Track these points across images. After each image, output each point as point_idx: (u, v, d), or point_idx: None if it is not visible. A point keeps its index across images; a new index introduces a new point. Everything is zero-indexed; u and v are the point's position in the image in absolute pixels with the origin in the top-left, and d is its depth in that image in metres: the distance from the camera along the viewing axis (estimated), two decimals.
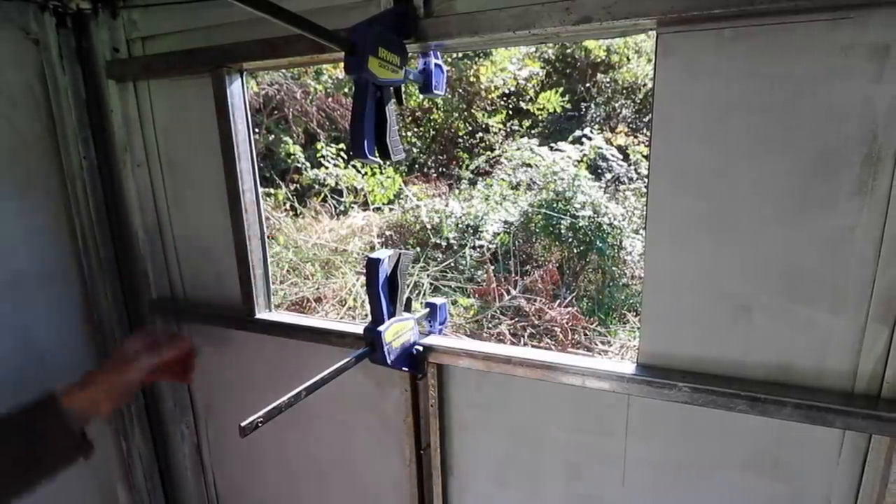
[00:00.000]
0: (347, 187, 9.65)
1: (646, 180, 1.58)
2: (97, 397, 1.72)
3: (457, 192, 9.86)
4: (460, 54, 10.94)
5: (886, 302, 1.29)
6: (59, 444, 1.63)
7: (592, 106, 11.96)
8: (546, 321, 6.46)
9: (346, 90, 10.53)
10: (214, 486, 2.59)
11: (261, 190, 2.03)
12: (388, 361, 1.71)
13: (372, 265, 1.67)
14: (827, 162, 1.27)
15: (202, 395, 2.44)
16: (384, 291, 1.70)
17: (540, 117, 11.76)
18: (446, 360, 1.82)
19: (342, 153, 10.07)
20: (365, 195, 9.50)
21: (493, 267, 7.37)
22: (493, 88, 11.40)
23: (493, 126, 11.53)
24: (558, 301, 6.76)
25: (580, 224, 7.38)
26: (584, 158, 8.48)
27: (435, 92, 1.71)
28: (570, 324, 6.42)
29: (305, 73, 10.37)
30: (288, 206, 9.36)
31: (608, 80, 12.13)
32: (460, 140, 11.95)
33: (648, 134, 1.45)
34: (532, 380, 1.70)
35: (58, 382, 1.69)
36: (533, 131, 11.53)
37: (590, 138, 8.77)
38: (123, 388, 1.77)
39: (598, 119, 11.64)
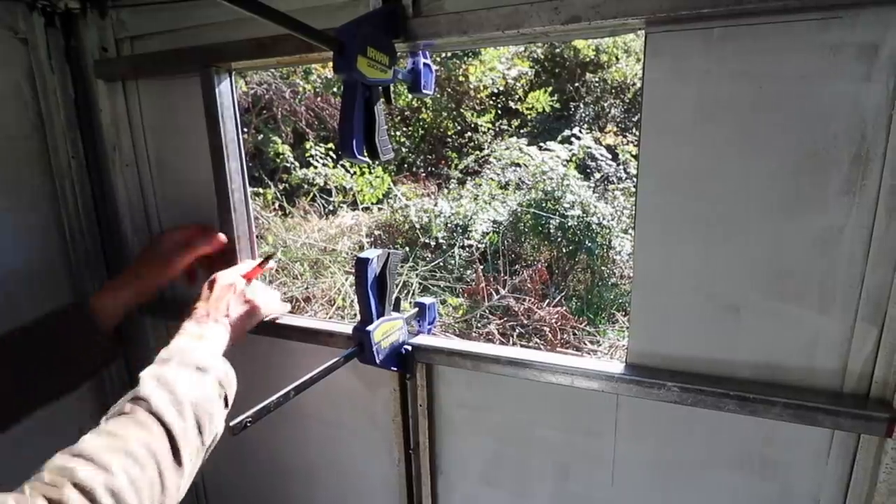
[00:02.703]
0: (336, 187, 9.65)
1: (634, 180, 1.59)
2: (128, 297, 1.85)
3: (446, 191, 9.87)
4: (449, 54, 10.95)
5: (875, 301, 1.30)
6: (90, 346, 1.73)
7: (581, 105, 11.99)
8: (535, 321, 6.47)
9: (334, 90, 10.53)
10: (203, 486, 2.58)
11: (249, 189, 2.02)
12: (377, 361, 1.71)
13: (361, 265, 1.67)
14: (816, 162, 1.28)
15: None
16: (373, 291, 1.69)
17: (529, 117, 11.79)
18: (435, 359, 1.81)
19: (331, 153, 10.07)
20: (354, 195, 9.50)
21: (482, 266, 7.36)
22: (481, 88, 11.42)
23: (481, 125, 11.54)
24: (547, 301, 6.77)
25: (569, 224, 7.39)
26: (573, 158, 8.49)
27: (424, 91, 1.71)
28: (559, 323, 6.42)
29: (294, 73, 10.37)
30: (277, 205, 9.35)
31: (597, 79, 12.16)
32: (449, 139, 11.97)
33: (637, 133, 1.45)
34: (521, 379, 1.70)
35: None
36: (522, 131, 11.55)
37: (579, 138, 8.78)
38: (155, 288, 1.91)
39: (587, 119, 11.67)
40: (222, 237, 1.98)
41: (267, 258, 1.97)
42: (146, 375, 1.42)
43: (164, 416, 1.32)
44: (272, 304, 1.90)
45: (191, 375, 1.48)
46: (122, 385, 2.40)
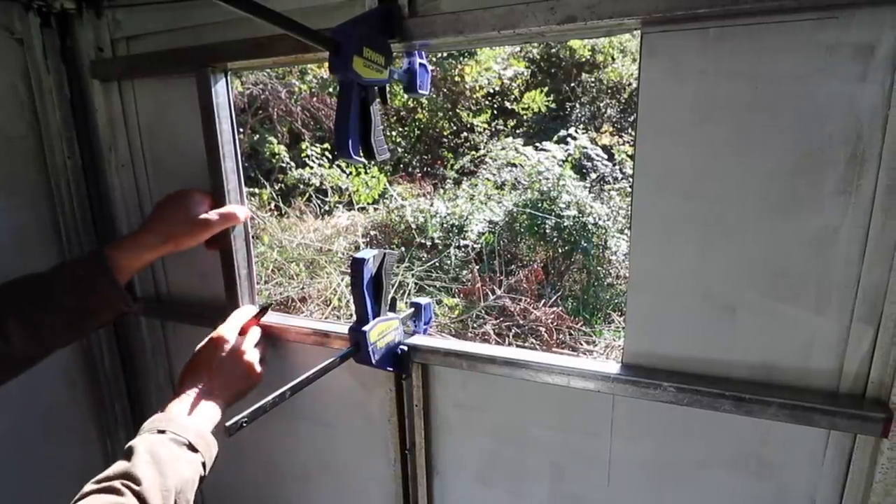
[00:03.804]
0: (332, 187, 9.66)
1: (630, 180, 1.59)
2: (149, 260, 1.84)
3: (442, 191, 9.89)
4: (445, 54, 10.96)
5: (871, 302, 1.30)
6: (107, 297, 1.72)
7: (577, 105, 12.01)
8: (531, 321, 6.48)
9: (330, 90, 10.54)
10: (199, 486, 2.58)
11: (245, 189, 2.02)
12: (373, 361, 1.70)
13: (356, 265, 1.66)
14: (812, 161, 1.28)
15: None
16: (369, 291, 1.69)
17: (525, 117, 11.82)
18: (431, 360, 1.81)
19: (326, 153, 10.08)
20: (349, 195, 9.51)
21: (477, 267, 7.37)
22: (477, 88, 11.44)
23: (477, 126, 11.57)
24: (543, 301, 6.78)
25: (565, 224, 7.41)
26: (569, 158, 8.51)
27: (419, 91, 1.71)
28: (554, 324, 6.43)
29: (290, 73, 10.38)
30: (272, 205, 9.37)
31: (593, 79, 12.19)
32: (445, 140, 11.99)
33: (633, 134, 1.45)
34: (516, 380, 1.70)
35: (45, 389, 1.71)
36: (518, 131, 11.58)
37: (575, 138, 8.81)
38: (180, 250, 1.86)
39: (582, 119, 11.69)
40: (247, 210, 1.98)
41: (263, 309, 1.98)
42: (141, 449, 1.41)
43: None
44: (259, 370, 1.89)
45: (183, 455, 1.48)
46: (116, 381, 2.40)
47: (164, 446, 1.45)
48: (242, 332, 1.88)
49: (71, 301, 1.66)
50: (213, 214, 1.86)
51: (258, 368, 1.84)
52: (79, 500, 1.28)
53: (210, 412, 1.66)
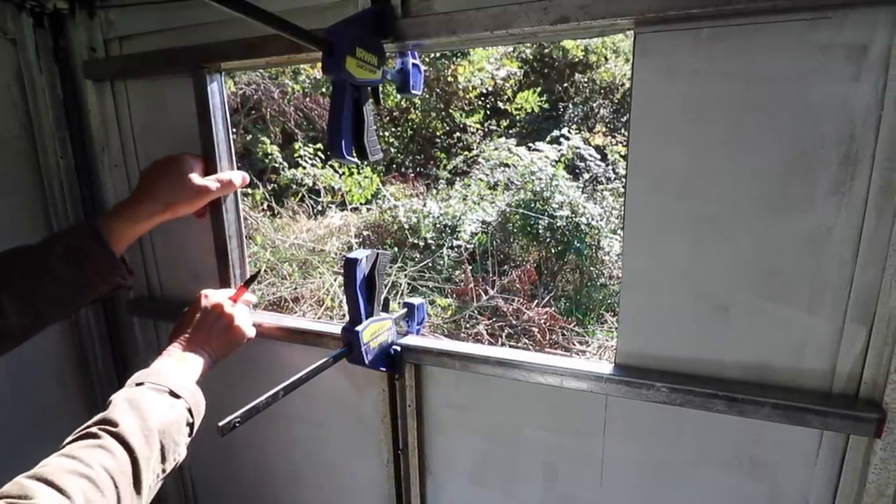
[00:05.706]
0: (325, 187, 9.64)
1: (623, 180, 1.58)
2: (145, 230, 1.80)
3: (434, 192, 9.88)
4: (438, 54, 10.95)
5: (864, 302, 1.30)
6: (100, 267, 1.68)
7: (570, 106, 12.00)
8: (524, 321, 6.47)
9: (323, 90, 10.52)
10: (192, 485, 2.57)
11: (239, 190, 2.02)
12: (366, 361, 1.70)
13: (349, 265, 1.66)
14: (805, 162, 1.28)
15: None
16: (362, 291, 1.69)
17: (518, 117, 11.80)
18: (424, 360, 1.81)
19: (319, 153, 10.06)
20: (342, 195, 9.49)
21: (470, 267, 7.37)
22: (470, 88, 11.43)
23: (470, 126, 11.55)
24: (536, 301, 6.77)
25: (558, 224, 7.40)
26: (562, 158, 8.50)
27: (412, 92, 1.70)
28: (547, 324, 6.43)
29: (283, 73, 10.36)
30: (265, 205, 9.34)
31: (586, 79, 12.18)
32: (438, 140, 11.98)
33: (626, 134, 1.45)
34: (509, 380, 1.70)
35: (38, 390, 1.70)
36: (511, 131, 11.56)
37: (567, 138, 8.79)
38: (165, 219, 1.81)
39: (575, 119, 11.68)
40: (245, 175, 1.96)
41: (252, 277, 1.96)
42: (118, 398, 1.41)
43: (132, 443, 1.30)
44: (251, 331, 1.88)
45: (163, 400, 1.47)
46: (109, 381, 2.40)
47: (142, 394, 1.45)
48: (232, 300, 1.87)
49: (64, 271, 1.62)
50: (212, 181, 1.85)
51: (241, 323, 1.82)
52: (59, 450, 1.27)
53: (192, 364, 1.66)
